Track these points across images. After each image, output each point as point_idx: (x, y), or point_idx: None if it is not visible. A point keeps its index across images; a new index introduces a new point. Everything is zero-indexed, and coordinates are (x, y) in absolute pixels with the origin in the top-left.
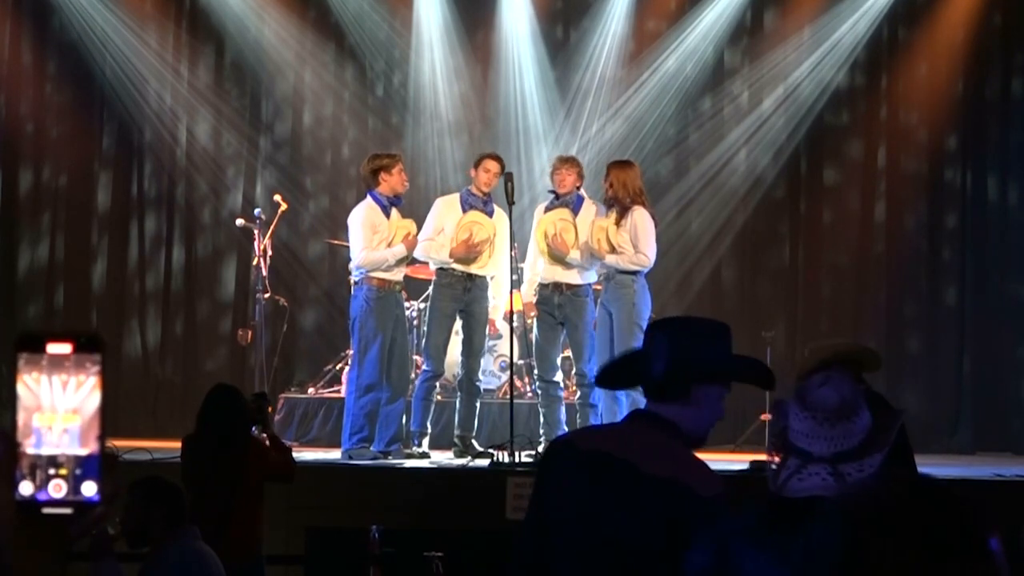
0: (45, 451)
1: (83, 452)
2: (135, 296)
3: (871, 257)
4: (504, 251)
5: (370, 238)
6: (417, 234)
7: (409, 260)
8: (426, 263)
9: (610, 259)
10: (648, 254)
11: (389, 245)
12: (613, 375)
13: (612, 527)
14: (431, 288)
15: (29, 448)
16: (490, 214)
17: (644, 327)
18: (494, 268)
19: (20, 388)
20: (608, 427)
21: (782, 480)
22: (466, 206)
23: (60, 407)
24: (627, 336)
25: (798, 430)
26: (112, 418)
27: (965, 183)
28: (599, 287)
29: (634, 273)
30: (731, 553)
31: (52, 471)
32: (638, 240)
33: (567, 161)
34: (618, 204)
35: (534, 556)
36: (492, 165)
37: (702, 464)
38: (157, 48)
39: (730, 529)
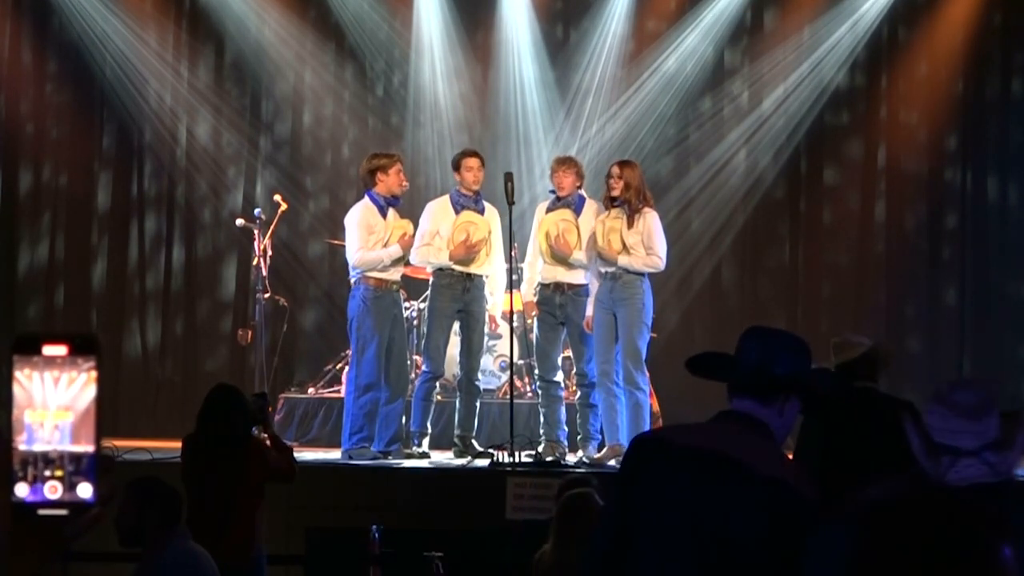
0: (37, 448)
1: (76, 450)
2: (135, 296)
3: (871, 257)
4: (499, 248)
5: (366, 238)
6: (414, 235)
7: (407, 260)
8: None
9: (622, 260)
10: (662, 256)
11: (385, 245)
12: (705, 364)
13: (719, 525)
14: (430, 289)
15: (21, 445)
16: (481, 212)
17: (650, 326)
18: (491, 267)
19: (14, 385)
20: (699, 425)
21: (941, 473)
22: (458, 207)
23: (52, 403)
24: (634, 335)
25: (942, 428)
26: (112, 418)
27: (965, 183)
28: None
29: (641, 274)
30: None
31: (46, 470)
32: (652, 242)
33: (565, 162)
34: (628, 205)
35: (618, 555)
36: (472, 162)
37: (802, 467)
38: (157, 48)
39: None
